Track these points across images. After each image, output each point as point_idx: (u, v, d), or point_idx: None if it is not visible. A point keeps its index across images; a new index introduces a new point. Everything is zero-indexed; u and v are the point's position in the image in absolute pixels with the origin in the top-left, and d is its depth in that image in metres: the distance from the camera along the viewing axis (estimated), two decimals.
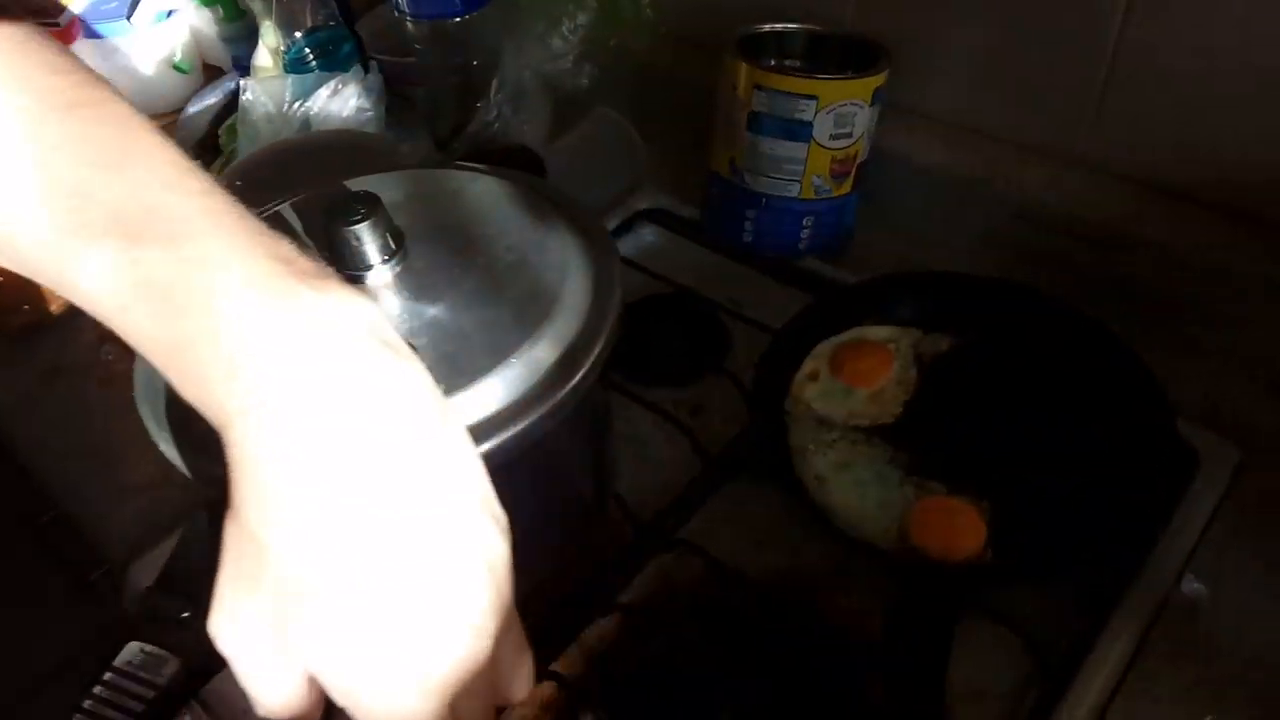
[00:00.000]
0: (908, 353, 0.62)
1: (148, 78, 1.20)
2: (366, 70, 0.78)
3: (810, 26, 0.72)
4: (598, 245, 0.50)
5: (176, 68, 1.24)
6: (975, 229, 0.74)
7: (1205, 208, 0.63)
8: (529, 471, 0.48)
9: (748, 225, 0.72)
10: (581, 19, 0.79)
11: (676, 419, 0.62)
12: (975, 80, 0.71)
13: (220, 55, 1.21)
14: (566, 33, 0.80)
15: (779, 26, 0.72)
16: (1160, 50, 0.60)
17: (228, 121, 0.94)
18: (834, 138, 0.67)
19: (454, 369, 0.43)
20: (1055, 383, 0.59)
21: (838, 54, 0.72)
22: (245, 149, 0.76)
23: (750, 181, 0.70)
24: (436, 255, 0.48)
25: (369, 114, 0.75)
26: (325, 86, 0.75)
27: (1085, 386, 0.58)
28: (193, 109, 1.15)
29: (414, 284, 0.46)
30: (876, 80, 0.66)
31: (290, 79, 0.80)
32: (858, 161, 0.69)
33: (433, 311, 0.46)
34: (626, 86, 0.88)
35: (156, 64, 1.20)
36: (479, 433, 0.42)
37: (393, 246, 0.45)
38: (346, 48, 0.84)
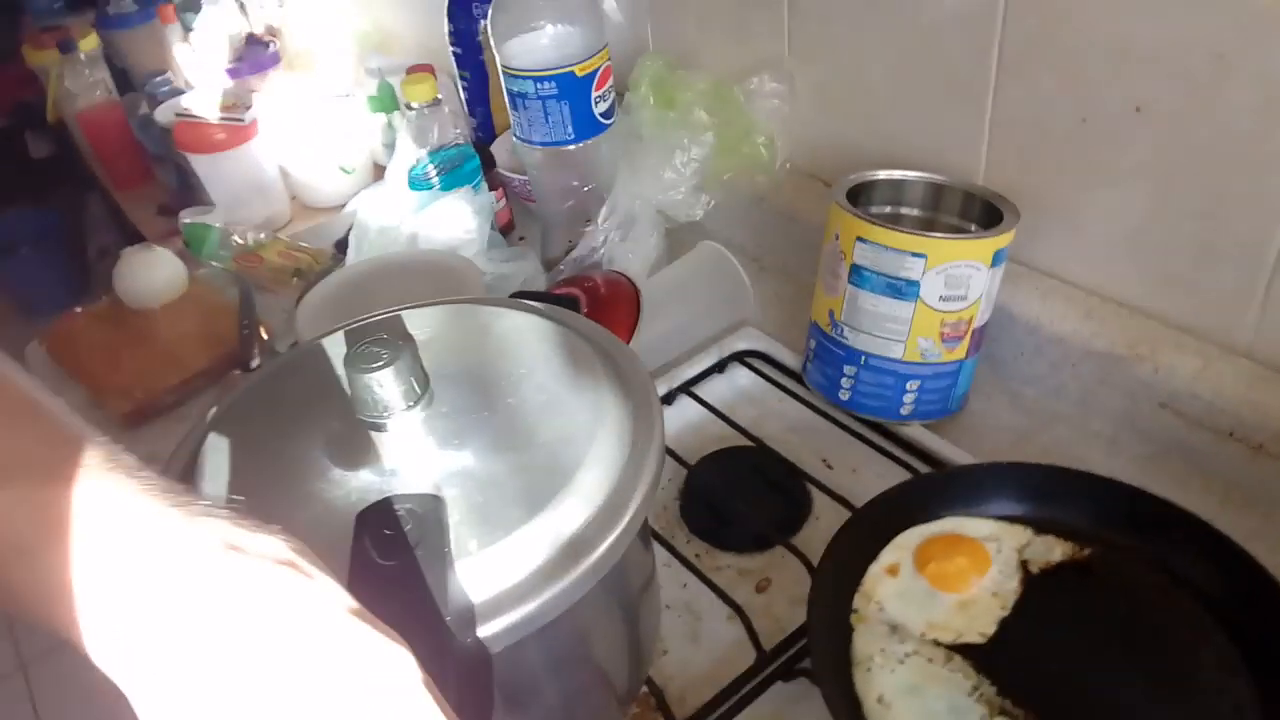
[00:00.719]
0: (1010, 557, 0.53)
1: (315, 175, 1.29)
2: (492, 188, 0.78)
3: (930, 176, 0.66)
4: (639, 392, 0.46)
5: (342, 169, 1.33)
6: (1113, 412, 0.64)
7: None
8: (548, 648, 0.43)
9: (845, 382, 0.66)
10: (696, 152, 0.78)
11: (734, 601, 0.55)
12: (1121, 248, 0.62)
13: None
14: (680, 165, 0.78)
15: (895, 174, 0.67)
16: None
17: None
18: (944, 299, 0.60)
19: (484, 522, 0.40)
20: (1191, 622, 0.49)
21: (959, 207, 0.66)
22: (352, 257, 0.78)
23: (849, 337, 0.64)
24: (465, 398, 0.45)
25: (472, 236, 0.76)
26: (435, 205, 0.76)
27: (1228, 633, 0.47)
28: (350, 207, 1.21)
29: (439, 430, 0.44)
30: (998, 241, 0.60)
31: (409, 194, 0.82)
32: (974, 326, 0.62)
33: (457, 460, 0.43)
34: (742, 220, 0.85)
35: (327, 162, 1.29)
36: (502, 602, 0.38)
37: (417, 391, 0.43)
38: (470, 166, 0.86)
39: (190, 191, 1.27)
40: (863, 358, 0.64)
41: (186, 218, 1.12)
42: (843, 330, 0.65)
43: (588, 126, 0.76)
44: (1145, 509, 0.52)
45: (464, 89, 1.04)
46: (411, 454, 0.43)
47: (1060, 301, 0.66)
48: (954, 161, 0.69)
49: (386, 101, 1.36)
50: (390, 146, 1.21)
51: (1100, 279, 0.65)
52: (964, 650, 0.49)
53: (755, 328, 0.78)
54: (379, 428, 0.43)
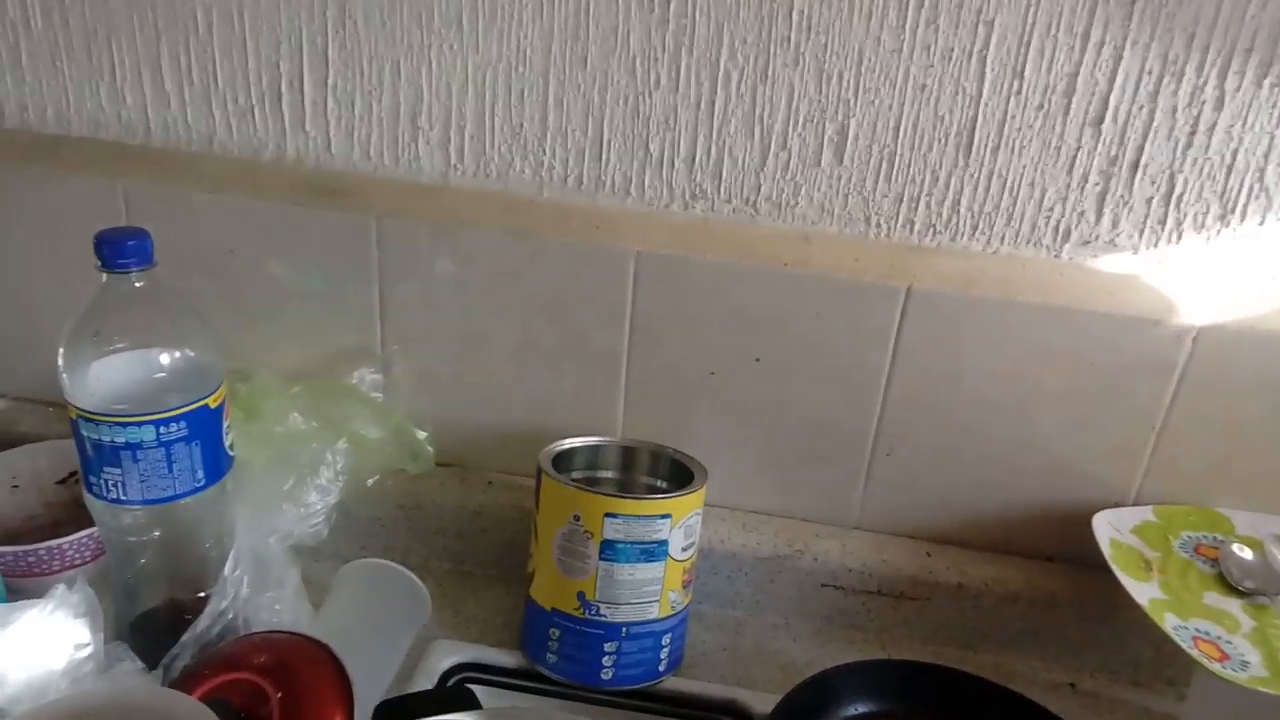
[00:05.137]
0: None
1: None
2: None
3: (623, 440, 0.72)
4: None
5: None
6: (785, 602, 0.76)
7: None
8: None
9: (606, 660, 0.65)
10: (340, 463, 0.68)
11: None
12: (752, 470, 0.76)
13: None
14: (326, 482, 0.67)
15: (592, 441, 0.71)
16: None
17: None
18: (684, 550, 0.65)
19: None
20: None
21: (648, 466, 0.72)
22: None
23: (608, 613, 0.64)
24: None
25: (88, 651, 0.52)
26: (28, 614, 0.50)
27: None
28: None
29: None
30: (705, 490, 0.68)
31: None
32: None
33: None
34: (369, 525, 0.76)
35: None
36: None
37: None
38: None
39: None
40: (624, 629, 0.64)
41: None
42: (598, 609, 0.64)
43: (218, 466, 0.60)
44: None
45: None
46: None
47: (719, 523, 0.76)
48: (593, 424, 0.75)
49: None
50: None
51: (742, 498, 0.78)
52: None
53: (444, 639, 0.70)
54: None
